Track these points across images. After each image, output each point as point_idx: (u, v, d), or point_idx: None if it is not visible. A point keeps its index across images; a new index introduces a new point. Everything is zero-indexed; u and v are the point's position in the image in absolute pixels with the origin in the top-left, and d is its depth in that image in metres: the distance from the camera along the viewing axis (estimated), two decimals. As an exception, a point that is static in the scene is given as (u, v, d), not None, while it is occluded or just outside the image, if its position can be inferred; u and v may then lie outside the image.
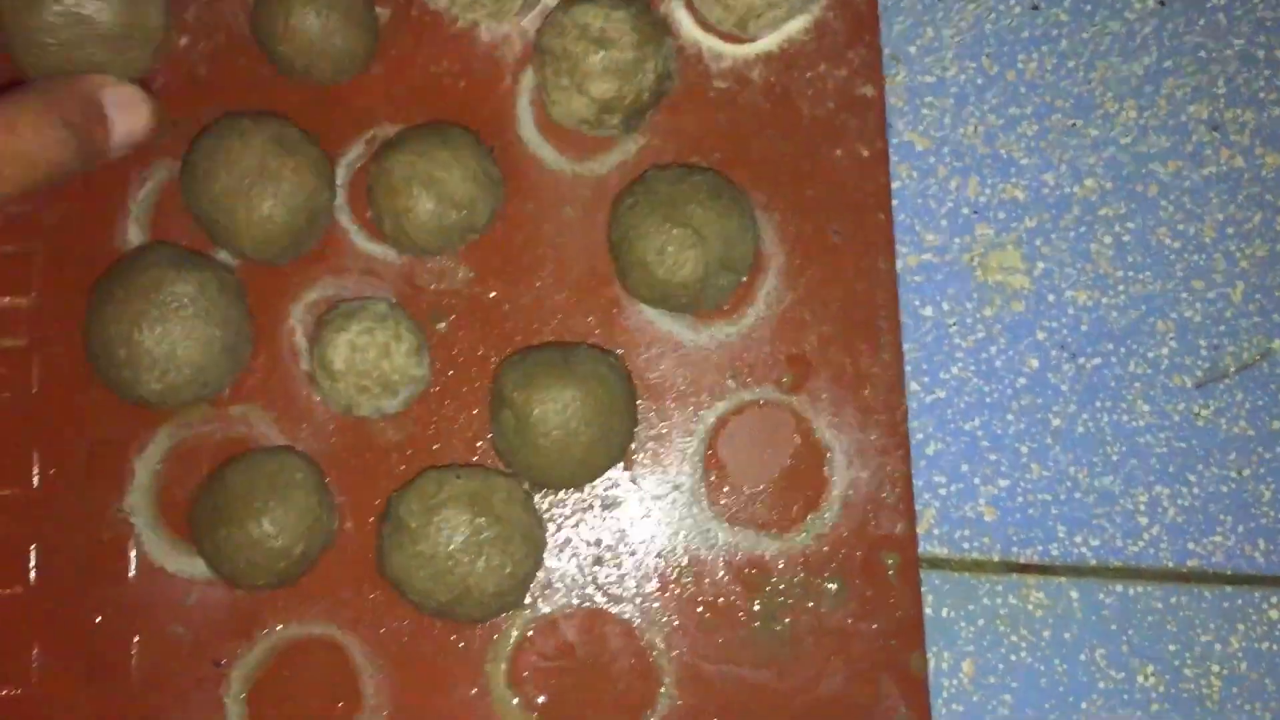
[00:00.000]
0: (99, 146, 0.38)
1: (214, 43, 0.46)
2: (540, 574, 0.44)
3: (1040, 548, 0.46)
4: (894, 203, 0.47)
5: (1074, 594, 0.46)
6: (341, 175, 0.45)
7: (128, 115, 0.39)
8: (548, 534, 0.44)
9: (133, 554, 0.44)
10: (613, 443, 0.43)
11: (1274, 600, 0.46)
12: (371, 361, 0.42)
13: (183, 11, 0.46)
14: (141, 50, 0.42)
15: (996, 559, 0.46)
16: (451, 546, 0.41)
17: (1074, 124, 0.48)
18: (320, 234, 0.44)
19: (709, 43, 0.47)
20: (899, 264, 0.47)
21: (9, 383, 0.44)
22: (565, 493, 0.44)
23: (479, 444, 0.45)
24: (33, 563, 0.44)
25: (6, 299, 0.45)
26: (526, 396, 0.41)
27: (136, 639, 0.43)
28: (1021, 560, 0.46)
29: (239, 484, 0.41)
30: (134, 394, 0.41)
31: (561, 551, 0.44)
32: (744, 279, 0.44)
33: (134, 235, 0.45)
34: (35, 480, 0.44)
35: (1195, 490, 0.46)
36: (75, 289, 0.44)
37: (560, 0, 0.45)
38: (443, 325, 0.45)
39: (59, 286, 0.45)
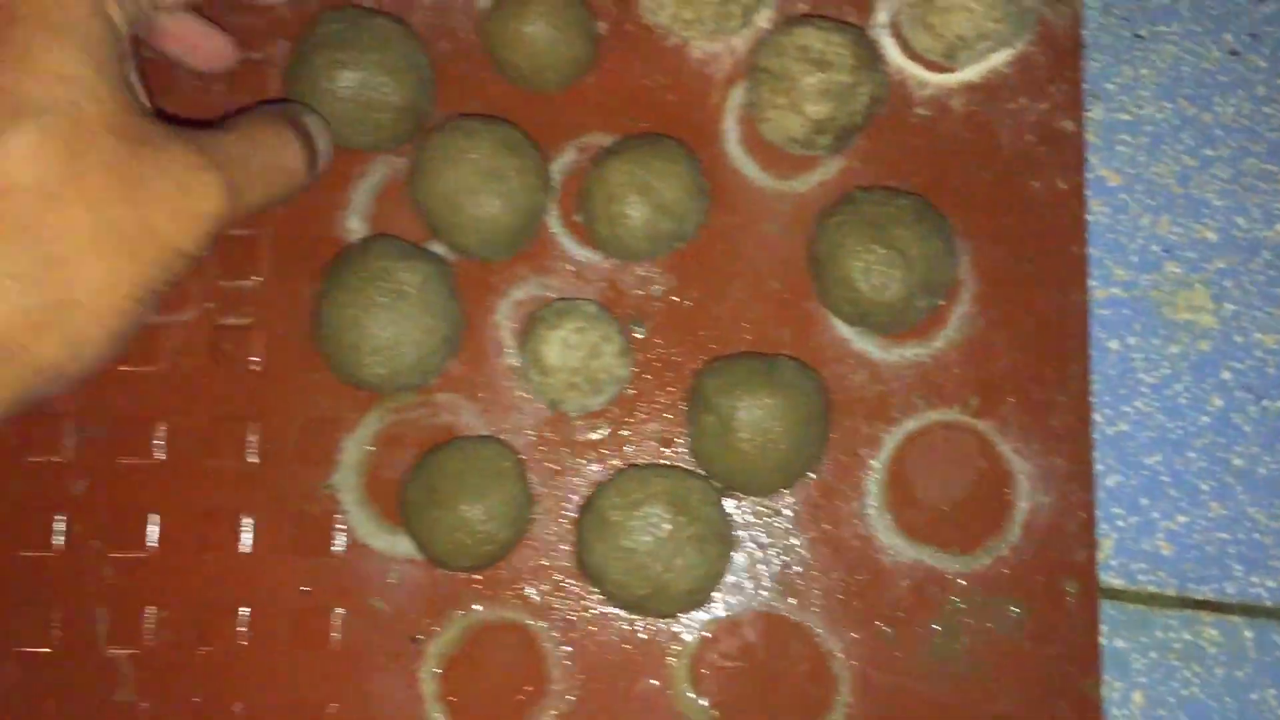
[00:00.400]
0: (316, 167, 0.41)
1: (439, 48, 0.48)
2: (727, 576, 0.45)
3: (1216, 585, 0.47)
4: (1086, 236, 0.47)
5: (1248, 633, 0.46)
6: (553, 179, 0.47)
7: (325, 138, 0.42)
8: (739, 539, 0.45)
9: (339, 529, 0.46)
10: (807, 453, 0.44)
11: None
12: (581, 360, 0.44)
13: (411, 15, 0.48)
14: (411, 126, 0.46)
15: (1172, 593, 0.47)
16: (651, 543, 0.42)
17: (1268, 168, 0.49)
18: (535, 234, 0.46)
19: (913, 70, 0.48)
20: (1088, 296, 0.47)
21: (233, 359, 0.47)
22: (755, 499, 0.46)
23: (670, 447, 0.46)
24: (245, 532, 0.46)
25: (236, 280, 0.47)
26: (731, 402, 0.43)
27: (340, 610, 0.45)
28: (1197, 596, 0.47)
29: (453, 469, 0.43)
30: (356, 377, 0.44)
31: (749, 556, 0.46)
32: (941, 303, 0.46)
33: (355, 225, 0.47)
34: (252, 454, 0.46)
35: (1376, 538, 0.47)
36: (299, 274, 0.47)
37: (779, 22, 0.46)
38: (641, 330, 0.47)
39: (284, 271, 0.47)
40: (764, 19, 0.48)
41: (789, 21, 0.45)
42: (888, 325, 0.45)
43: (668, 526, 0.42)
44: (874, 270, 0.43)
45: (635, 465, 0.45)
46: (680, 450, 0.46)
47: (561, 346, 0.44)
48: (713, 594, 0.44)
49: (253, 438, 0.46)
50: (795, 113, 0.44)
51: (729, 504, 0.46)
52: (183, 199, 0.35)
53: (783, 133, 0.45)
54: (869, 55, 0.45)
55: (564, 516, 0.46)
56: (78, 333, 0.33)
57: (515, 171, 0.44)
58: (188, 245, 0.35)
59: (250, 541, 0.46)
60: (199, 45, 0.44)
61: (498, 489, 0.43)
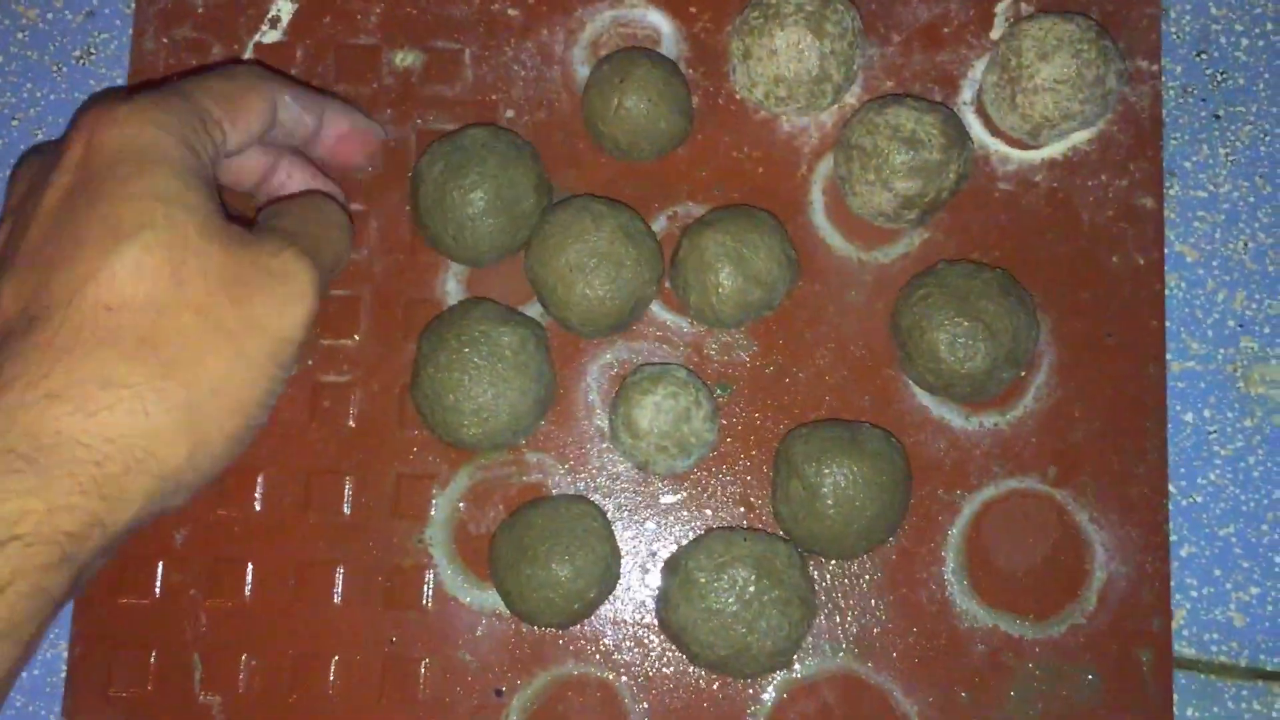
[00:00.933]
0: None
1: (536, 118, 0.50)
2: (806, 639, 0.46)
3: (1289, 658, 0.47)
4: (1164, 310, 0.48)
5: (1321, 707, 0.47)
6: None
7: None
8: (819, 601, 0.46)
9: (429, 583, 0.47)
10: (890, 519, 0.45)
11: None
12: (672, 423, 0.45)
13: (511, 88, 0.50)
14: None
15: (1244, 664, 0.47)
16: (736, 605, 0.43)
17: (1343, 247, 0.50)
18: (636, 321, 0.47)
19: (996, 146, 0.49)
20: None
21: (331, 415, 0.48)
22: (833, 562, 0.47)
23: (751, 511, 0.47)
24: (340, 584, 0.47)
25: (336, 339, 0.48)
26: (818, 469, 0.44)
27: (426, 661, 0.47)
28: (1269, 668, 0.47)
29: (545, 526, 0.44)
30: (454, 436, 0.45)
31: (827, 619, 0.47)
32: (1023, 373, 0.47)
33: (451, 288, 0.49)
34: (346, 508, 0.48)
35: None
36: (395, 334, 0.48)
37: (871, 101, 0.48)
38: (724, 395, 0.48)
39: (381, 331, 0.48)
40: (852, 96, 0.49)
41: (881, 100, 0.47)
42: (970, 395, 0.46)
43: (752, 589, 0.43)
44: (959, 342, 0.44)
45: (722, 528, 0.46)
46: (760, 512, 0.47)
47: (654, 411, 0.45)
48: (794, 656, 0.45)
49: (348, 491, 0.48)
50: (884, 189, 0.46)
51: (811, 567, 0.47)
52: (281, 287, 0.37)
53: (871, 208, 0.47)
54: (958, 134, 0.46)
55: (648, 576, 0.47)
56: (200, 437, 0.35)
57: (632, 261, 0.45)
58: (294, 332, 0.38)
59: (342, 592, 0.47)
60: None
61: (587, 548, 0.44)
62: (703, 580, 0.44)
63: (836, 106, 0.49)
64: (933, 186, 0.46)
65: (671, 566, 0.45)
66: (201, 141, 0.38)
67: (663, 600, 0.45)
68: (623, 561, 0.47)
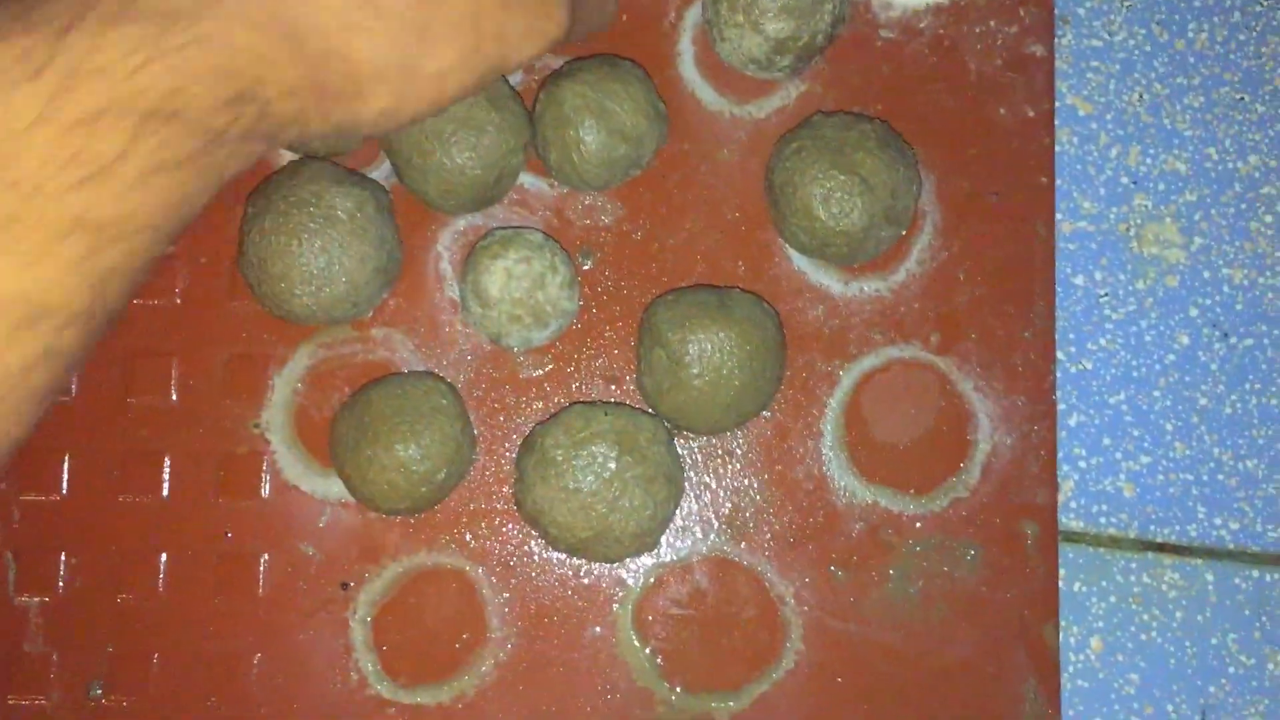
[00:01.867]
0: None
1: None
2: (675, 519, 0.43)
3: (1178, 527, 0.45)
4: (1054, 167, 0.45)
5: (1209, 576, 0.45)
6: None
7: None
8: (688, 479, 0.43)
9: (266, 471, 0.43)
10: (761, 390, 0.42)
11: None
12: (526, 290, 0.41)
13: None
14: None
15: (1133, 536, 0.45)
16: (596, 483, 0.40)
17: (1241, 98, 0.47)
18: (503, 195, 0.43)
19: (877, -10, 0.45)
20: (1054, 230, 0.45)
21: (155, 291, 0.44)
22: (706, 438, 0.44)
23: (618, 385, 0.44)
24: (166, 473, 0.43)
25: (154, 204, 0.44)
26: (683, 336, 0.41)
27: (266, 556, 0.43)
28: (1158, 539, 0.45)
29: (386, 406, 0.41)
30: (285, 308, 0.41)
31: (698, 498, 0.44)
32: (903, 233, 0.44)
33: (285, 151, 0.44)
34: (173, 392, 0.43)
35: (1340, 481, 0.45)
36: (222, 198, 0.44)
37: None
38: (589, 262, 0.44)
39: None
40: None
41: None
42: (848, 257, 0.43)
43: (613, 466, 0.40)
44: (834, 197, 0.41)
45: (583, 403, 0.43)
46: (630, 388, 0.44)
47: (504, 277, 0.41)
48: (660, 537, 0.42)
49: (174, 374, 0.43)
50: (755, 31, 0.42)
51: (679, 444, 0.44)
52: (536, 19, 0.33)
53: (741, 53, 0.43)
54: None
55: (505, 457, 0.44)
56: (412, 90, 0.31)
57: (494, 127, 0.41)
58: (523, 58, 0.34)
59: (170, 483, 0.43)
60: None
61: (434, 428, 0.41)
62: (560, 458, 0.40)
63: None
64: (806, 29, 0.42)
65: (528, 445, 0.42)
66: None
67: (519, 481, 0.42)
68: (479, 442, 0.43)
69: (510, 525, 0.43)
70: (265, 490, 0.43)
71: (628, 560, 0.43)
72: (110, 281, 0.27)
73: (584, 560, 0.43)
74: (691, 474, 0.44)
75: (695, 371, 0.41)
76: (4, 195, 0.24)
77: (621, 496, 0.40)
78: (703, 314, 0.41)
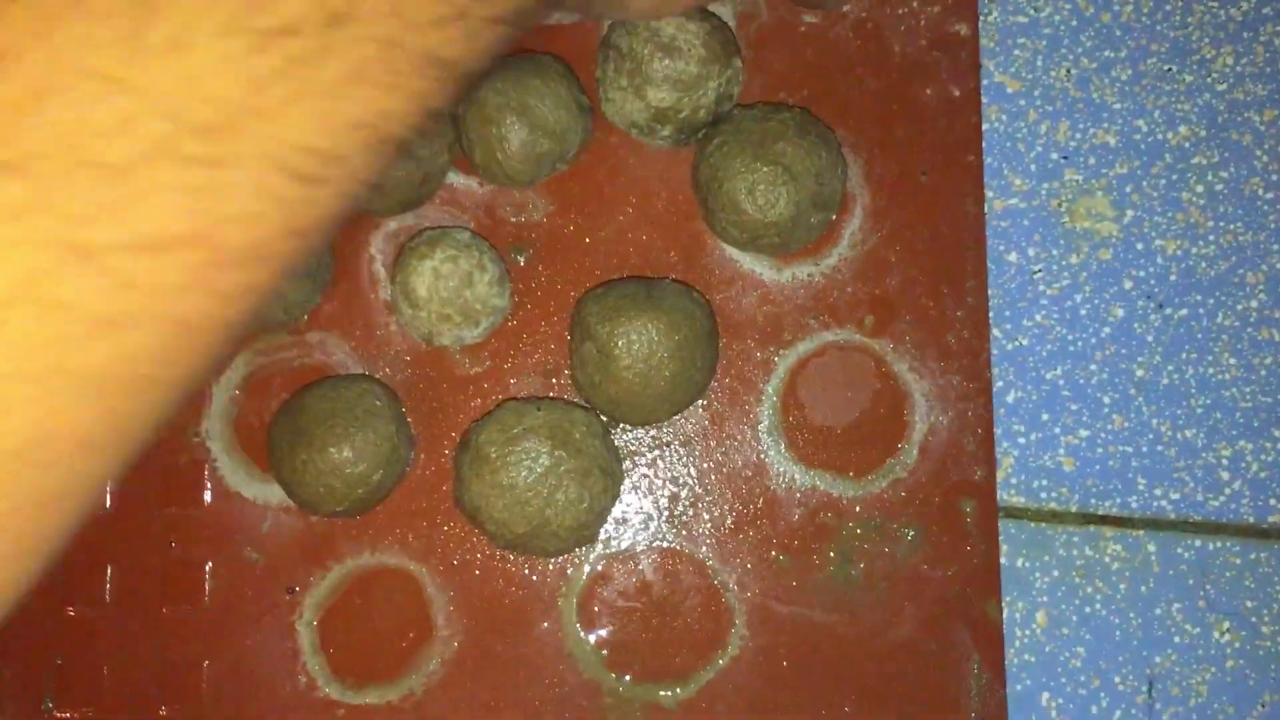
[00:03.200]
0: None
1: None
2: (616, 511, 0.44)
3: (1119, 500, 0.46)
4: (982, 145, 0.46)
5: (1152, 547, 0.45)
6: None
7: None
8: (625, 471, 0.44)
9: (208, 479, 0.44)
10: (694, 379, 0.42)
11: (1355, 559, 0.45)
12: (454, 289, 0.41)
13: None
14: None
15: (1074, 509, 0.46)
16: (531, 478, 0.40)
17: (1169, 69, 0.47)
18: (432, 194, 0.43)
19: (799, -25, 0.45)
20: (985, 208, 0.46)
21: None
22: (643, 430, 0.44)
23: (556, 378, 0.44)
24: (109, 485, 0.43)
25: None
26: (611, 329, 0.41)
27: (210, 563, 0.43)
28: (1100, 512, 0.46)
29: (319, 409, 0.41)
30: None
31: (637, 489, 0.44)
32: (833, 217, 0.44)
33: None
34: (112, 402, 0.44)
35: (1279, 446, 0.46)
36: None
37: None
38: (522, 258, 0.44)
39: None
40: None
41: None
42: (779, 246, 0.43)
43: (546, 461, 0.41)
44: (759, 189, 0.41)
45: (514, 399, 0.43)
46: (564, 381, 0.44)
47: (432, 277, 0.41)
48: (599, 530, 0.43)
49: (111, 386, 0.44)
50: (638, 97, 0.42)
51: (618, 436, 0.44)
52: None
53: (623, 116, 0.43)
54: (723, 49, 0.42)
55: (446, 456, 0.44)
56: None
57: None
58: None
59: (111, 494, 0.43)
60: None
61: (368, 428, 0.41)
62: (493, 455, 0.41)
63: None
64: (689, 102, 0.42)
65: (464, 443, 0.42)
66: None
67: (457, 478, 0.42)
68: (419, 441, 0.44)
69: (453, 524, 0.44)
70: (207, 498, 0.43)
71: (570, 553, 0.43)
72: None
73: (524, 555, 0.43)
74: (631, 465, 0.44)
75: (625, 363, 0.41)
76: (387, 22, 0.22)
77: (556, 491, 0.41)
78: (631, 305, 0.41)
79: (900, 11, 0.45)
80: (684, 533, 0.44)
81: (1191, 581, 0.45)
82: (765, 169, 0.41)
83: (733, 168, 0.42)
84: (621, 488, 0.43)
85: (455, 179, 0.45)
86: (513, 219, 0.45)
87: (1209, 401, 0.46)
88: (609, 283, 0.43)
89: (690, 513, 0.44)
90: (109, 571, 0.43)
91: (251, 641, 0.43)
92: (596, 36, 0.45)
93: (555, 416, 0.41)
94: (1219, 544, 0.45)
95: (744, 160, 0.41)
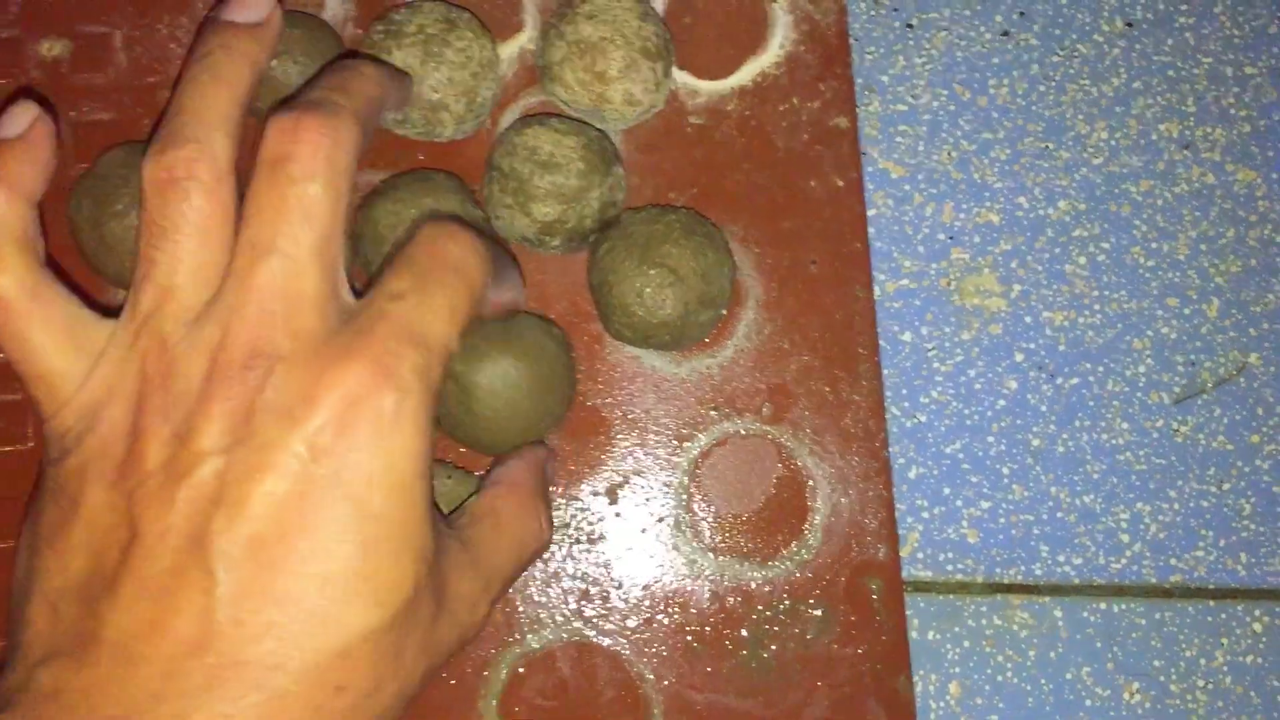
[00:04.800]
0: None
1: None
2: (528, 610, 0.45)
3: (1024, 567, 0.47)
4: (871, 231, 0.47)
5: (1058, 612, 0.46)
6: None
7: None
8: (539, 568, 0.45)
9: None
10: (554, 412, 0.43)
11: (1257, 614, 0.46)
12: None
13: (168, 68, 0.47)
14: None
15: (980, 580, 0.47)
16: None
17: (1046, 146, 0.49)
18: None
19: (684, 79, 0.47)
20: (877, 291, 0.47)
21: None
22: (552, 526, 0.45)
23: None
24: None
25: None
26: (466, 368, 0.42)
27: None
28: (1005, 580, 0.47)
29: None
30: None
31: (549, 586, 0.45)
32: (724, 313, 0.45)
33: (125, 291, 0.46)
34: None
35: (1176, 506, 0.47)
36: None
37: (517, 120, 0.45)
38: (428, 366, 0.46)
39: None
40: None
41: (524, 120, 0.45)
42: (673, 343, 0.44)
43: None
44: (646, 292, 0.43)
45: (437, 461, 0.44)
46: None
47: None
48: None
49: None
50: (524, 214, 0.43)
51: (528, 536, 0.45)
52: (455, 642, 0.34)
53: (513, 232, 0.44)
54: (601, 160, 0.44)
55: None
56: None
57: None
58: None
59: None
60: None
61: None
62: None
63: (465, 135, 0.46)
64: (573, 213, 0.43)
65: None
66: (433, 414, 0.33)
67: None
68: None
69: (372, 630, 0.44)
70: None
71: (487, 655, 0.44)
72: None
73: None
74: (542, 564, 0.45)
75: (486, 402, 0.42)
76: None
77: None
78: (488, 345, 0.42)
79: (781, 108, 0.47)
80: (596, 626, 0.45)
81: (1099, 644, 0.46)
82: (652, 272, 0.43)
83: (621, 271, 0.43)
84: (533, 586, 0.45)
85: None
86: (418, 329, 0.46)
87: (1104, 466, 0.47)
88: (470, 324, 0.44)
89: (601, 607, 0.45)
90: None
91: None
92: (490, 138, 0.46)
93: (460, 491, 0.42)
94: (1123, 606, 0.46)
95: (631, 264, 0.43)
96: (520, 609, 0.45)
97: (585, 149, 0.43)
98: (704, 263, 0.43)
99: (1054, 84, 0.49)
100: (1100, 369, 0.48)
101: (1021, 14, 0.49)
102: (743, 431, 0.46)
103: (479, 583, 0.34)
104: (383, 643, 0.30)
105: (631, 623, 0.45)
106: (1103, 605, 0.46)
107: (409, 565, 0.30)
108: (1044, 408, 0.47)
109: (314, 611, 0.29)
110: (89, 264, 0.44)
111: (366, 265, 0.44)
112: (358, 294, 0.35)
